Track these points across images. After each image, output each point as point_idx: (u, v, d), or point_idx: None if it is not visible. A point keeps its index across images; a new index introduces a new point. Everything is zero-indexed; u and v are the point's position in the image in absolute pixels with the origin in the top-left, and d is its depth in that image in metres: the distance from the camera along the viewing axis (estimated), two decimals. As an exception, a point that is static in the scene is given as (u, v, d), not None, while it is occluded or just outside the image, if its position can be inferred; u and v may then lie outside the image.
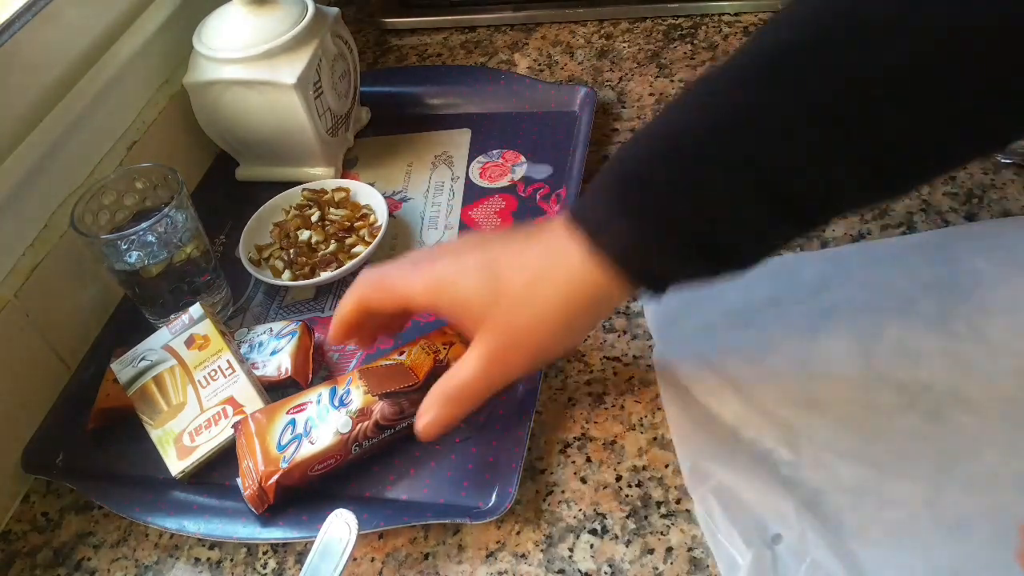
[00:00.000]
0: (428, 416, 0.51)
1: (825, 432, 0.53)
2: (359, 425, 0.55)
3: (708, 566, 0.50)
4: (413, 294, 0.52)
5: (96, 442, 0.63)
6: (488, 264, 0.50)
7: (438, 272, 0.51)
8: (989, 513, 0.48)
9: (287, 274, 0.71)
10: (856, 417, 0.54)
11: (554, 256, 0.48)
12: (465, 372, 0.51)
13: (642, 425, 0.58)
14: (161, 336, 0.63)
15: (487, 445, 0.58)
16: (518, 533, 0.54)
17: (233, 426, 0.58)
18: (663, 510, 0.53)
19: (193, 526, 0.56)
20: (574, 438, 0.58)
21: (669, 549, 0.51)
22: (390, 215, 0.74)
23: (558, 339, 0.50)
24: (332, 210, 0.75)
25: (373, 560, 0.54)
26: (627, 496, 0.54)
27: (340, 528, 0.50)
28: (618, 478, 0.55)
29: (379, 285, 0.53)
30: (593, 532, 0.53)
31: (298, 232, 0.73)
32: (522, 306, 0.48)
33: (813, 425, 0.54)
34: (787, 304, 0.61)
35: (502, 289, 0.49)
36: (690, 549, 0.51)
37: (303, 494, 0.57)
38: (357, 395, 0.56)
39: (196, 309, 0.63)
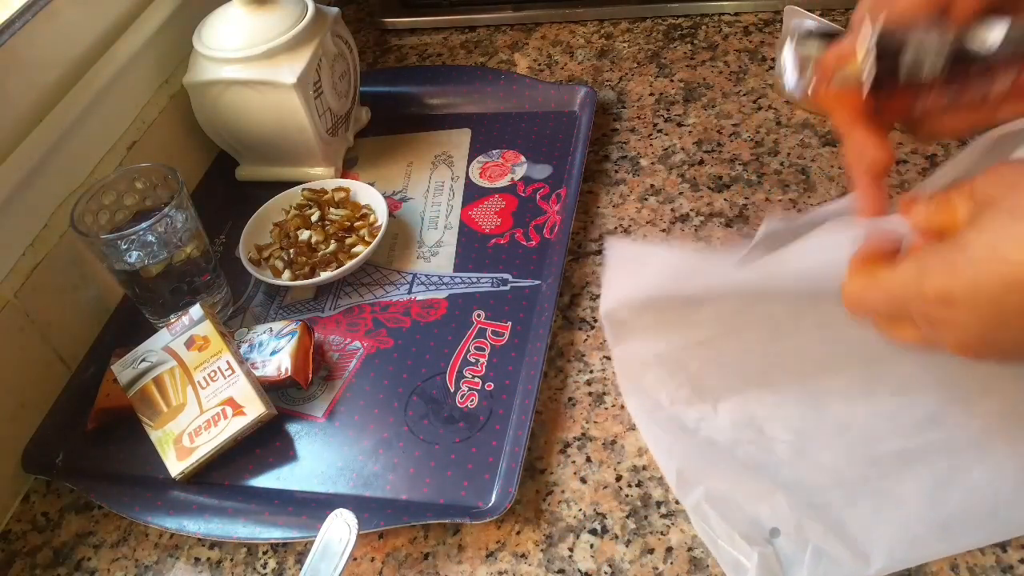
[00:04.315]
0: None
1: (786, 411, 0.55)
2: None
3: (708, 566, 0.50)
4: None
5: (96, 442, 0.63)
6: None
7: None
8: (969, 466, 0.50)
9: (287, 274, 0.71)
10: (812, 392, 0.55)
11: None
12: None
13: (642, 425, 0.58)
14: (161, 337, 0.63)
15: (487, 445, 0.58)
16: (518, 533, 0.54)
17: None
18: (663, 510, 0.53)
19: (193, 526, 0.56)
20: (574, 438, 0.58)
21: (669, 549, 0.51)
22: (390, 215, 0.74)
23: None
24: (332, 210, 0.75)
25: (373, 560, 0.54)
26: (627, 496, 0.54)
27: (340, 528, 0.50)
28: (618, 478, 0.55)
29: None
30: (593, 532, 0.53)
31: (298, 232, 0.73)
32: None
33: (771, 404, 0.55)
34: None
35: None
36: (690, 549, 0.51)
37: (303, 495, 0.57)
38: None
39: (196, 310, 0.63)
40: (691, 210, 0.72)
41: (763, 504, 0.50)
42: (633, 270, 0.59)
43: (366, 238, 0.72)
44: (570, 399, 0.60)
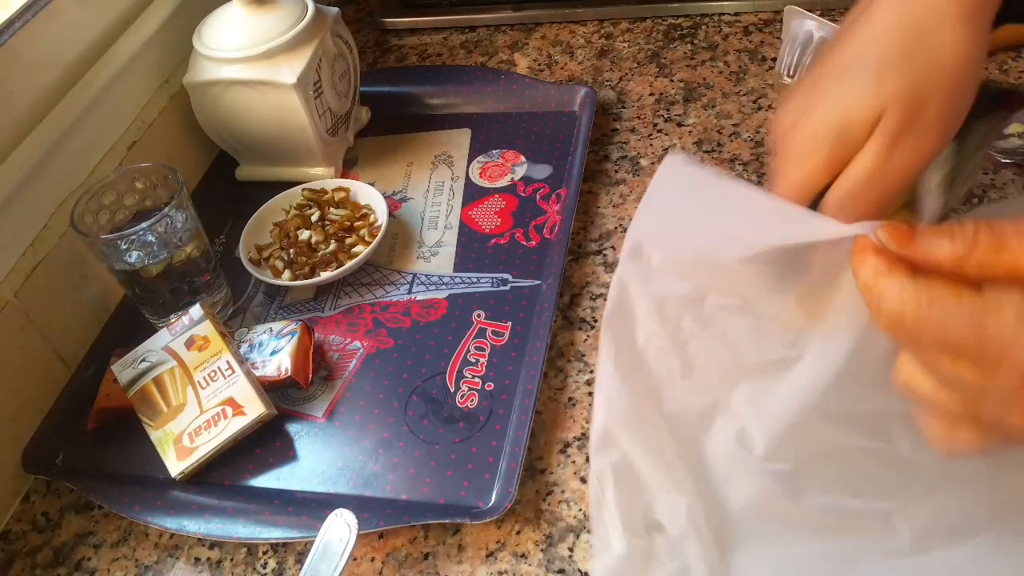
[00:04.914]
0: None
1: (795, 439, 0.45)
2: None
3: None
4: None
5: (96, 442, 0.63)
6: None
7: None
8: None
9: (287, 274, 0.71)
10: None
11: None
12: (859, 165, 0.40)
13: (642, 425, 0.58)
14: (161, 337, 0.63)
15: (487, 445, 0.58)
16: (518, 533, 0.54)
17: None
18: (663, 510, 0.53)
19: (193, 526, 0.56)
20: (574, 438, 0.58)
21: (669, 549, 0.51)
22: (390, 215, 0.74)
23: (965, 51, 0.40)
24: (332, 210, 0.75)
25: (373, 560, 0.54)
26: (627, 496, 0.54)
27: (340, 528, 0.50)
28: (618, 478, 0.55)
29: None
30: (593, 532, 0.53)
31: (298, 232, 0.73)
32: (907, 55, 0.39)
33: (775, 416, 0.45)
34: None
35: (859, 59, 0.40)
36: (690, 549, 0.51)
37: (303, 495, 0.57)
38: None
39: (196, 310, 0.63)
40: (691, 210, 0.72)
41: (666, 497, 0.45)
42: (692, 207, 0.44)
43: (366, 238, 0.72)
44: (570, 399, 0.60)
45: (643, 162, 0.78)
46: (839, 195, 0.40)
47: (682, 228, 0.44)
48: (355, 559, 0.54)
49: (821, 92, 0.42)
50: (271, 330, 0.65)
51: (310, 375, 0.63)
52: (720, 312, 0.44)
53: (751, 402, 0.45)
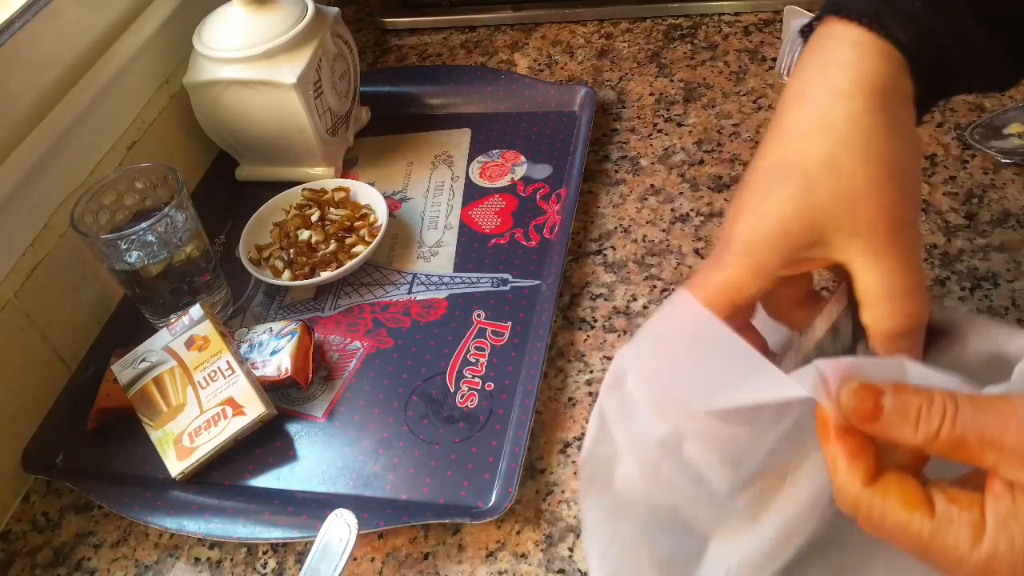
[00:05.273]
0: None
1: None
2: None
3: (708, 566, 0.50)
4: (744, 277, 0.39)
5: (96, 442, 0.63)
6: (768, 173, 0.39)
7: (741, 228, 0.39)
8: None
9: (287, 274, 0.71)
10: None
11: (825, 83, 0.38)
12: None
13: (642, 425, 0.58)
14: (161, 337, 0.63)
15: (487, 445, 0.58)
16: (518, 533, 0.54)
17: None
18: (663, 510, 0.53)
19: (193, 526, 0.56)
20: (574, 438, 0.58)
21: (669, 549, 0.51)
22: (390, 215, 0.74)
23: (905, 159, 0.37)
24: (332, 210, 0.75)
25: (373, 560, 0.54)
26: (627, 496, 0.54)
27: (340, 528, 0.50)
28: (618, 478, 0.55)
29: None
30: (593, 532, 0.53)
31: (298, 232, 0.73)
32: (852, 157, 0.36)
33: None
34: None
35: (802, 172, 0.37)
36: (690, 549, 0.51)
37: (303, 495, 0.57)
38: None
39: (196, 310, 0.63)
40: (691, 210, 0.72)
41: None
42: (684, 352, 0.42)
43: (366, 238, 0.72)
44: (570, 399, 0.60)
45: (643, 162, 0.78)
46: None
47: (667, 366, 0.42)
48: (355, 559, 0.54)
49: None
50: (271, 330, 0.65)
51: (310, 375, 0.63)
52: (697, 459, 0.42)
53: (733, 549, 0.43)
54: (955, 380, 0.33)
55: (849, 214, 0.36)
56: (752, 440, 0.40)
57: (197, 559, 0.56)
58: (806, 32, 0.42)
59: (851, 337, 0.41)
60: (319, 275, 0.70)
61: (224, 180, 0.84)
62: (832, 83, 0.37)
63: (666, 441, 0.41)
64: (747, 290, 0.39)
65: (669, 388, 0.41)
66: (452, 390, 0.62)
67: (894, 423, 0.32)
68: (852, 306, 0.39)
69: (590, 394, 0.60)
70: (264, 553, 0.56)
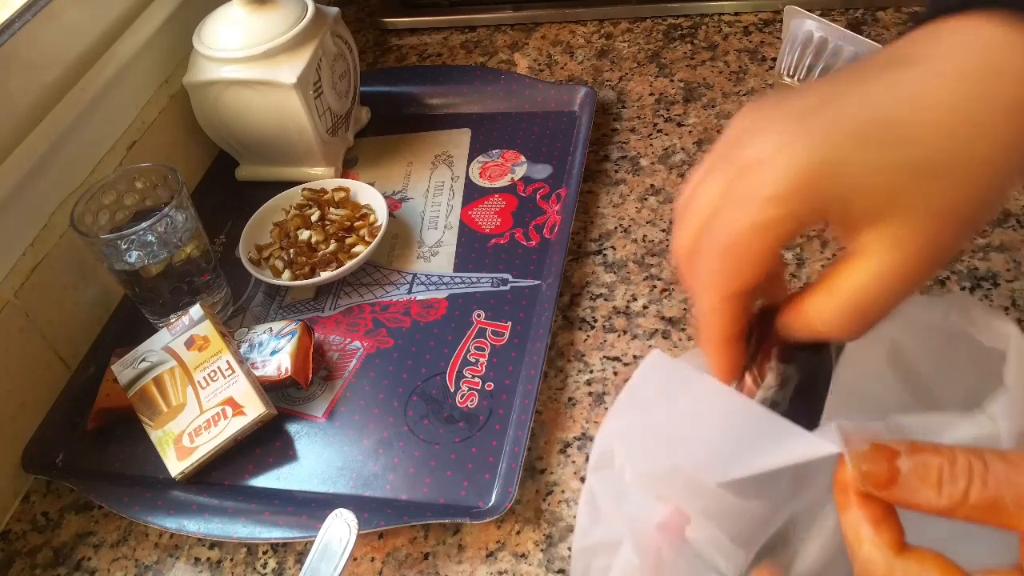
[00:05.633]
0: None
1: None
2: None
3: (708, 566, 0.50)
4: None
5: (96, 442, 0.63)
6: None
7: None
8: None
9: (287, 274, 0.71)
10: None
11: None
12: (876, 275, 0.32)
13: (642, 425, 0.58)
14: (161, 337, 0.63)
15: (487, 445, 0.58)
16: (518, 533, 0.54)
17: None
18: (663, 510, 0.53)
19: (193, 526, 0.56)
20: (574, 438, 0.58)
21: (669, 549, 0.51)
22: (390, 215, 0.74)
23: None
24: (332, 210, 0.75)
25: (373, 560, 0.54)
26: (627, 496, 0.54)
27: (340, 528, 0.50)
28: (618, 478, 0.55)
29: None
30: (593, 532, 0.53)
31: (298, 232, 0.73)
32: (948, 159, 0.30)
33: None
34: None
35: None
36: (690, 549, 0.51)
37: (303, 495, 0.57)
38: None
39: (196, 310, 0.63)
40: (691, 210, 0.72)
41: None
42: (667, 417, 0.38)
43: (366, 238, 0.72)
44: (570, 399, 0.60)
45: (643, 162, 0.78)
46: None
47: (657, 438, 0.38)
48: (355, 559, 0.54)
49: None
50: (271, 330, 0.65)
51: (310, 375, 0.63)
52: (704, 541, 0.38)
53: None
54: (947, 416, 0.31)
55: (925, 193, 0.30)
56: (767, 515, 0.37)
57: (197, 559, 0.56)
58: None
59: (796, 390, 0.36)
60: (319, 275, 0.70)
61: (224, 180, 0.84)
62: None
63: (667, 526, 0.37)
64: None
65: (669, 463, 0.36)
66: (452, 390, 0.62)
67: (914, 487, 0.29)
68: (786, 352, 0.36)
69: (590, 394, 0.60)
70: (264, 553, 0.56)
